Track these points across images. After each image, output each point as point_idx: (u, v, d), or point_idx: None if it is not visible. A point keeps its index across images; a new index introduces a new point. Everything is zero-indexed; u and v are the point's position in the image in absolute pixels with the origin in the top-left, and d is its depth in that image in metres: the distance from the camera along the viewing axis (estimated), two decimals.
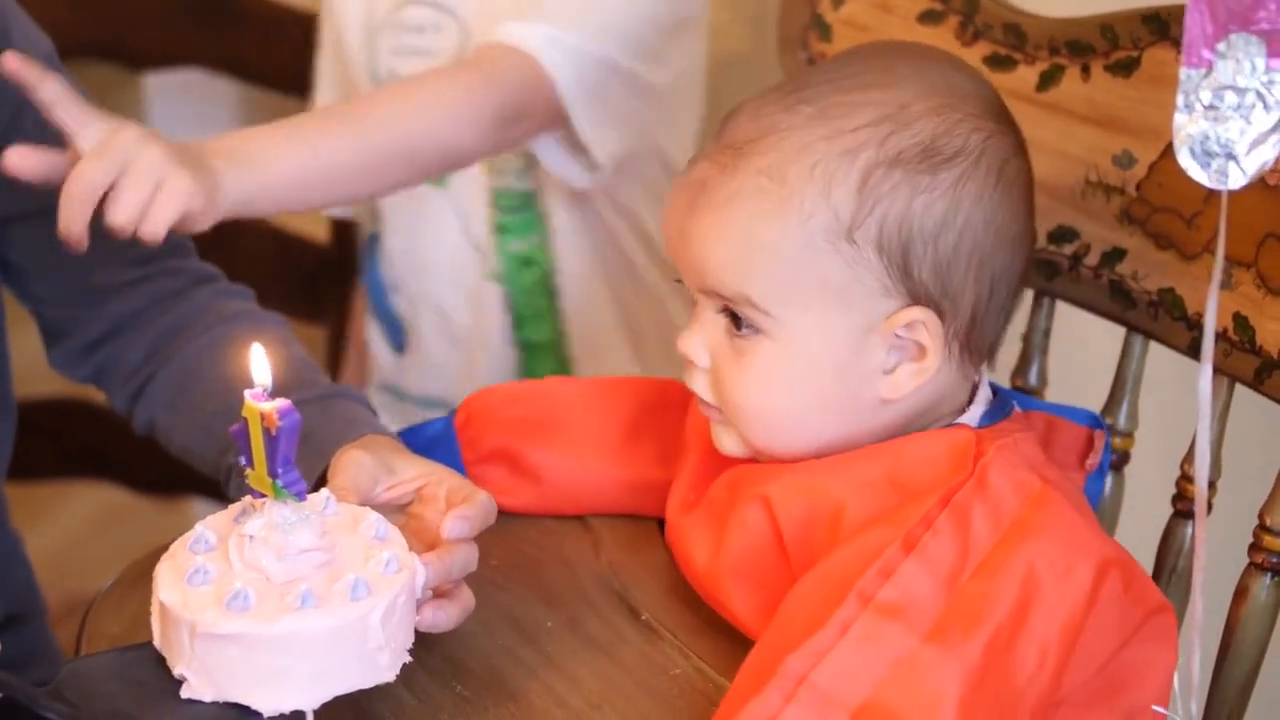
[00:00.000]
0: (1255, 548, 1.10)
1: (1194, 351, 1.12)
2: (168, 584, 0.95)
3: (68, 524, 2.24)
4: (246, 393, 0.93)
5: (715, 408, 1.07)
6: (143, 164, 1.11)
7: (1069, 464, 1.10)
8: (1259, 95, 0.90)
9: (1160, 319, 1.15)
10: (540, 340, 1.53)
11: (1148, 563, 1.14)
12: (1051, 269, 1.20)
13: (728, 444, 1.08)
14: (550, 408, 1.21)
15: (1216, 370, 1.05)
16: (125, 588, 1.12)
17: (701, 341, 1.06)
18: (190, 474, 1.27)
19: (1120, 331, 1.20)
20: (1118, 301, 1.17)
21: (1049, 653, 0.95)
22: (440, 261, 1.51)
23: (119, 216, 1.10)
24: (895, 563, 0.95)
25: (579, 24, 1.38)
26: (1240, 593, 1.11)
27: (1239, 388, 1.12)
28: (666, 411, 1.20)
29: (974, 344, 1.05)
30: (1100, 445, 1.10)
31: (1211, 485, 1.13)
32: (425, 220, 1.52)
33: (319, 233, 1.85)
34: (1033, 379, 1.26)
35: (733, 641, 1.07)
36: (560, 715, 1.02)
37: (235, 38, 1.81)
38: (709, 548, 1.08)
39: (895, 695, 0.92)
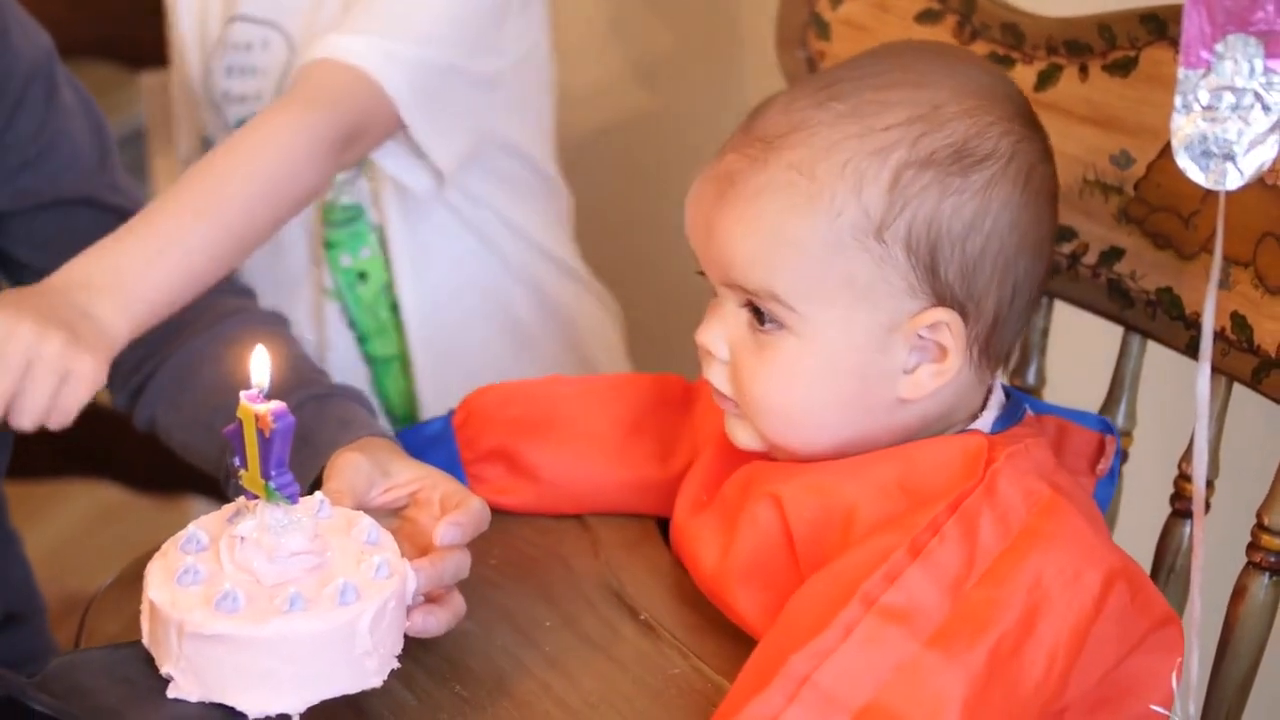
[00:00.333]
0: (1253, 547, 1.10)
1: (1192, 351, 1.12)
2: (157, 583, 0.96)
3: (66, 523, 2.23)
4: (241, 394, 0.93)
5: (731, 400, 1.07)
6: (44, 364, 1.07)
7: (1080, 469, 1.10)
8: (1257, 96, 0.90)
9: (1158, 318, 1.15)
10: (387, 355, 1.49)
11: (1146, 562, 1.14)
12: (1050, 268, 1.20)
13: (742, 437, 1.08)
14: (548, 407, 1.21)
15: (1214, 369, 1.05)
16: (123, 587, 1.11)
17: (721, 334, 1.06)
18: (189, 473, 1.27)
19: (1118, 331, 1.20)
20: (1116, 301, 1.17)
21: (1057, 659, 0.95)
22: (281, 281, 1.46)
23: (25, 422, 1.08)
24: (901, 567, 0.95)
25: (404, 29, 1.32)
26: (1238, 592, 1.11)
27: (1237, 387, 1.12)
28: (665, 409, 1.20)
29: (993, 348, 1.05)
30: (1111, 450, 1.10)
31: (1209, 484, 1.13)
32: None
33: None
34: (1031, 378, 1.26)
35: (731, 641, 1.07)
36: (558, 714, 1.02)
37: None
38: (719, 548, 1.08)
39: (898, 698, 0.92)
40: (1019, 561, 0.97)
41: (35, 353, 1.07)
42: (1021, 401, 1.09)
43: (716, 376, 1.06)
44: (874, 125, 1.01)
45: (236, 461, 0.95)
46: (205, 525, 0.99)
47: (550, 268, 1.53)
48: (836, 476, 1.03)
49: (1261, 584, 1.10)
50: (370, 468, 1.07)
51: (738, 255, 1.03)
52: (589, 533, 1.18)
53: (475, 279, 1.48)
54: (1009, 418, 1.07)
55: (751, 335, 1.04)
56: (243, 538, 0.95)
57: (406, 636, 0.99)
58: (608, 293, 1.59)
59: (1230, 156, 0.92)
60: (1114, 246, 1.17)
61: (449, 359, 1.48)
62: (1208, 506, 0.97)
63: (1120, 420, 1.21)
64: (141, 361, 1.26)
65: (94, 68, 1.66)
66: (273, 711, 0.94)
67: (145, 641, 0.97)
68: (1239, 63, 0.91)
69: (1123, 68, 1.15)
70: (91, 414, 1.91)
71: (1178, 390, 1.10)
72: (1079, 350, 1.35)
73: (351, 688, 0.95)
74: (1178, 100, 0.92)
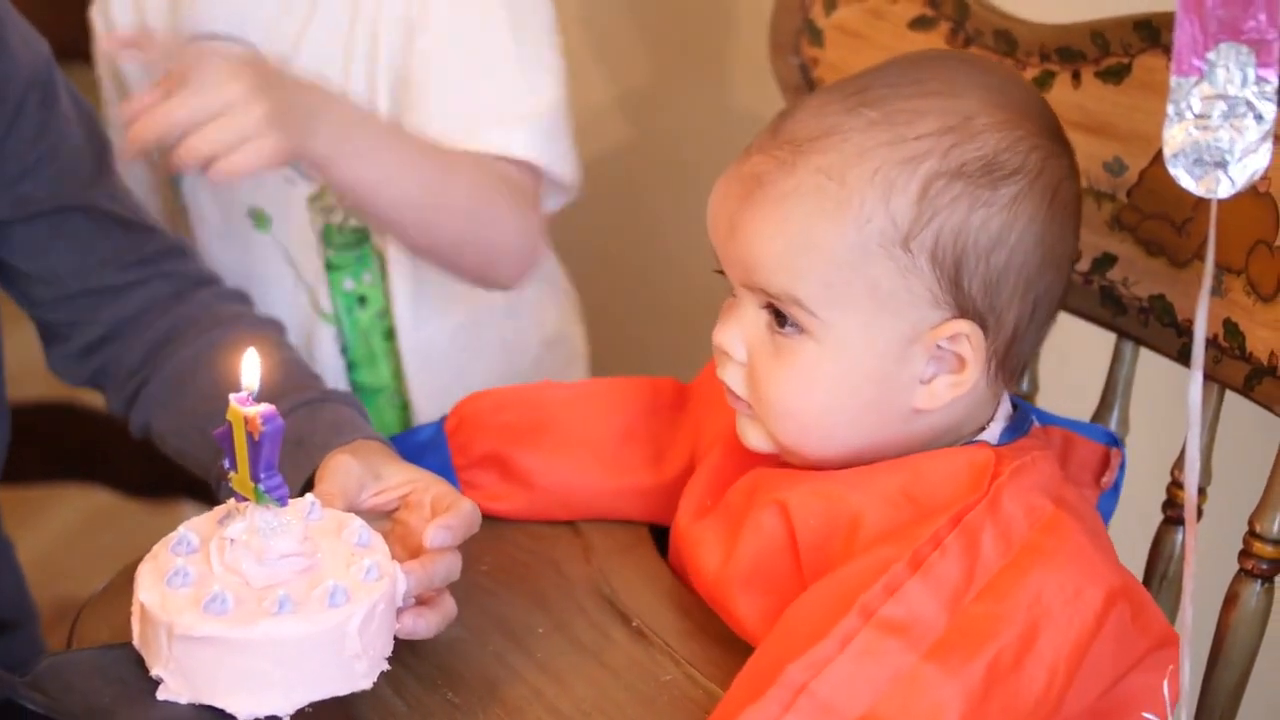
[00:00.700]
0: (1245, 554, 1.10)
1: (1184, 358, 1.12)
2: (147, 585, 0.96)
3: (57, 528, 2.23)
4: (231, 396, 0.93)
5: (745, 402, 1.06)
6: (240, 118, 1.10)
7: (1084, 481, 1.10)
8: (1249, 104, 0.90)
9: (1150, 325, 1.15)
10: (374, 385, 1.48)
11: (1138, 569, 1.14)
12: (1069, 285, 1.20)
13: (753, 439, 1.07)
14: (541, 412, 1.21)
15: (1206, 377, 1.05)
16: (115, 592, 1.11)
17: (739, 335, 1.05)
18: (181, 477, 1.27)
19: (1111, 338, 1.20)
20: (1108, 308, 1.17)
21: (1056, 676, 0.95)
22: (272, 302, 1.44)
23: (191, 153, 1.11)
24: (901, 580, 0.95)
25: (539, 101, 1.35)
26: (1230, 599, 1.11)
27: (1229, 394, 1.12)
28: (659, 414, 1.20)
29: (1010, 362, 1.04)
30: (1116, 463, 1.10)
31: (1201, 491, 1.13)
32: (252, 262, 1.46)
33: None
34: (1024, 385, 1.26)
35: (724, 647, 1.07)
36: None
37: None
38: (721, 553, 1.08)
39: (894, 710, 0.92)
40: (1020, 577, 0.96)
41: (235, 107, 1.11)
42: (1029, 413, 1.09)
43: (732, 378, 1.06)
44: (905, 134, 1.00)
45: (226, 464, 0.95)
46: (195, 527, 0.99)
47: (555, 297, 1.53)
48: (843, 485, 1.03)
49: (1253, 591, 1.10)
50: (361, 470, 1.07)
51: (762, 258, 1.02)
52: (581, 538, 1.18)
53: (474, 304, 1.48)
54: (1016, 429, 1.07)
55: (770, 338, 1.04)
56: (232, 540, 0.95)
57: (397, 640, 0.99)
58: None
59: (1222, 164, 0.92)
60: (1106, 253, 1.17)
61: (447, 392, 1.48)
62: (1200, 514, 0.97)
63: (1113, 427, 1.21)
64: (139, 367, 1.26)
65: (85, 71, 1.66)
66: (262, 713, 0.94)
67: (136, 643, 0.97)
68: (1231, 71, 0.91)
69: (1115, 75, 1.16)
70: (83, 419, 1.91)
71: (1170, 397, 1.10)
72: (1071, 357, 1.35)
73: (341, 690, 0.95)
74: (1170, 108, 0.92)
